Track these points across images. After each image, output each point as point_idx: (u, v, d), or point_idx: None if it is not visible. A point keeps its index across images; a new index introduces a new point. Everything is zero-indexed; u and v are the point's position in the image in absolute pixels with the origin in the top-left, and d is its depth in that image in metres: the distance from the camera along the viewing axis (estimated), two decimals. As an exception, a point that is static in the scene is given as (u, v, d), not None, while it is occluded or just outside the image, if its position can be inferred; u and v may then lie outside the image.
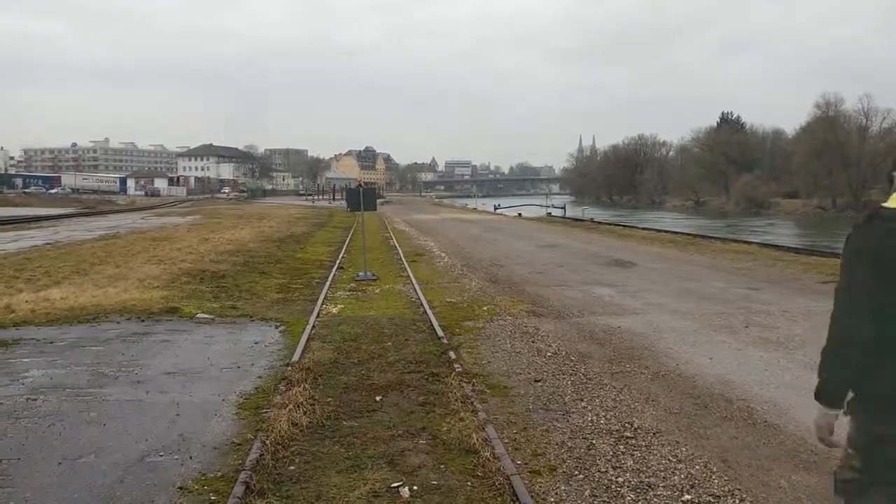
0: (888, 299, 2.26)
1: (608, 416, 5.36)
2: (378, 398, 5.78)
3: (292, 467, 4.37)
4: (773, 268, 15.34)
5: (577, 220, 43.36)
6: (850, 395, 2.39)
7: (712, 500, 3.94)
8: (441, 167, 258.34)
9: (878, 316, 2.27)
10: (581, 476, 4.27)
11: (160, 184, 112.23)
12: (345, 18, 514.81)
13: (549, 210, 55.34)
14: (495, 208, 66.53)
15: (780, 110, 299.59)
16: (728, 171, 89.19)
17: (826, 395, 2.41)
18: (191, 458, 4.49)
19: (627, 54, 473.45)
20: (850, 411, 2.42)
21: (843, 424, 2.42)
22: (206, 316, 9.36)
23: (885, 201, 2.38)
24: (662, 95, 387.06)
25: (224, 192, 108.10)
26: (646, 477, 4.24)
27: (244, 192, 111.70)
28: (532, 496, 3.94)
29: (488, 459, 4.40)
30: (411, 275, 13.88)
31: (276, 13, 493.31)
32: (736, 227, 46.33)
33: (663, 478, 4.23)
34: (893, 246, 2.26)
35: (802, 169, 76.16)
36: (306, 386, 5.90)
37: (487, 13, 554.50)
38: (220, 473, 4.25)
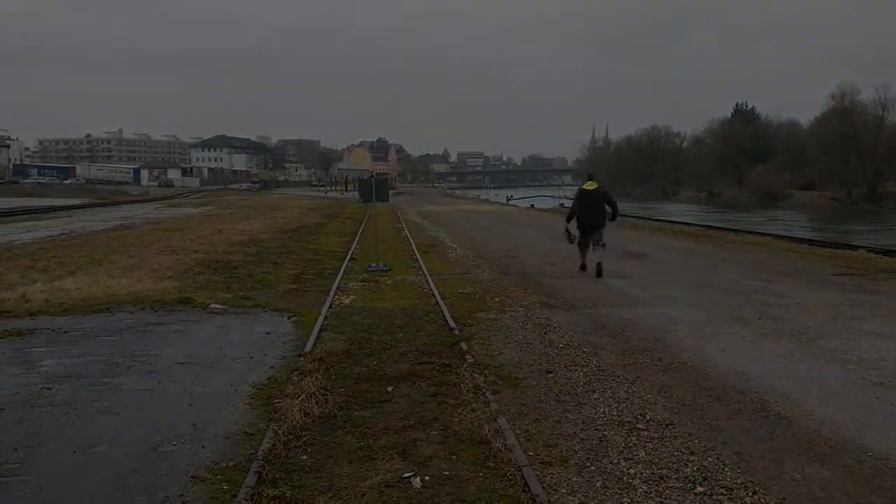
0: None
1: (620, 408, 5.34)
2: (390, 389, 5.78)
3: (304, 457, 4.38)
4: (787, 260, 15.22)
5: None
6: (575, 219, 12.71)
7: (725, 493, 3.91)
8: (453, 158, 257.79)
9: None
10: (593, 467, 4.25)
11: (173, 174, 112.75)
12: (358, 5, 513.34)
13: (562, 201, 55.12)
14: (507, 200, 66.51)
15: (799, 103, 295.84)
16: (742, 163, 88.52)
17: (569, 218, 13.01)
18: (203, 447, 4.52)
19: (644, 43, 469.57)
20: (579, 225, 12.73)
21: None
22: (218, 306, 9.40)
23: None
24: (678, 86, 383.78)
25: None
26: (658, 469, 4.23)
27: (256, 182, 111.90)
28: (544, 487, 3.93)
29: (500, 450, 4.40)
30: (423, 266, 13.87)
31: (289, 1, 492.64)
32: (768, 219, 45.94)
33: (676, 470, 4.21)
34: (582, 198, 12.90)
35: (817, 160, 75.47)
36: (318, 376, 5.91)
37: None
38: (232, 463, 4.27)
